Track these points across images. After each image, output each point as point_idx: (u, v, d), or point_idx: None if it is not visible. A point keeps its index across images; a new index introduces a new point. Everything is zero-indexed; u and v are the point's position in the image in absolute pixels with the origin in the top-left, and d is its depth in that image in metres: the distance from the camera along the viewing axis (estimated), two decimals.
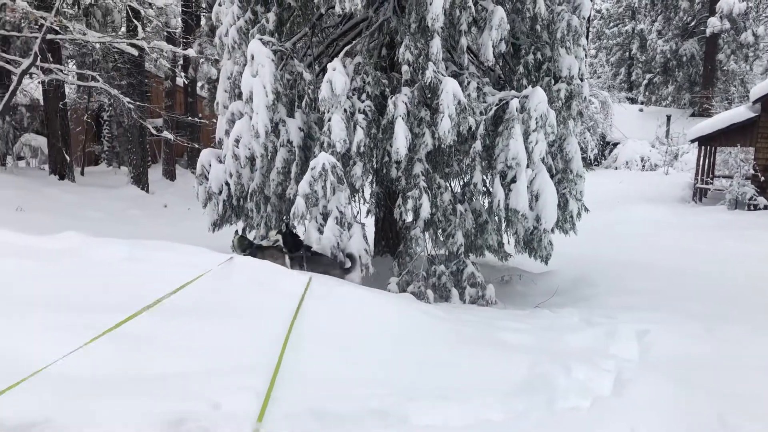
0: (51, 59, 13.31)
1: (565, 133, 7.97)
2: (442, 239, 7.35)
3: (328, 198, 6.70)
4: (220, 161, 8.76)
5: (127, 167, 17.74)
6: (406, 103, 6.81)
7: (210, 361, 2.98)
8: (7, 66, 13.58)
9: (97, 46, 13.68)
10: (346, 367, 3.31)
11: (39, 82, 15.93)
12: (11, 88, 13.45)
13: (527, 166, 7.01)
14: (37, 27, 13.18)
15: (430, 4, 6.50)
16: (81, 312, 3.29)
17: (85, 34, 12.79)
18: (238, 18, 8.21)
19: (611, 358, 4.00)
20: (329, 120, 6.84)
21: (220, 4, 8.61)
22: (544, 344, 4.34)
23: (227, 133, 8.45)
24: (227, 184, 8.60)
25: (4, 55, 13.55)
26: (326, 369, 3.20)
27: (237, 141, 7.79)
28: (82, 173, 17.37)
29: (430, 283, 7.03)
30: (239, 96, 8.38)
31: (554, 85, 7.69)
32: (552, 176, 7.63)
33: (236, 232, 7.48)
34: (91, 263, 4.51)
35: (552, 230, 7.75)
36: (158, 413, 2.23)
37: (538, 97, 6.92)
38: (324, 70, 8.38)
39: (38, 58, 12.44)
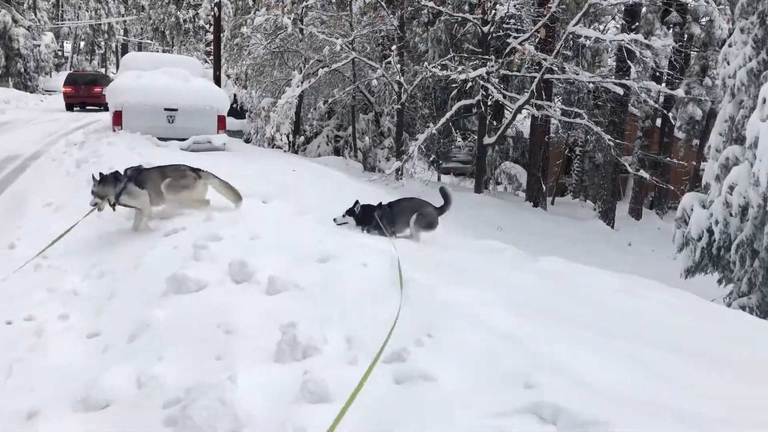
0: (543, 96, 14.57)
1: None
2: None
3: None
4: (704, 207, 8.39)
5: (593, 201, 18.29)
6: None
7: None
8: (504, 101, 15.40)
9: (590, 85, 14.47)
10: None
11: (527, 116, 17.64)
12: (507, 121, 15.23)
13: None
14: (534, 67, 14.63)
15: None
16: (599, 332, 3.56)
17: (577, 74, 13.68)
18: (750, 59, 7.75)
19: None
20: None
21: (730, 45, 8.25)
22: None
23: (717, 178, 8.06)
24: (709, 231, 8.20)
25: (504, 92, 15.40)
26: None
27: (731, 188, 7.36)
28: (552, 202, 18.57)
29: None
30: (737, 140, 7.92)
31: None
32: None
33: (93, 176, 5.73)
34: (584, 288, 4.82)
35: None
36: None
37: None
38: None
39: (534, 96, 13.79)
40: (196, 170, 5.83)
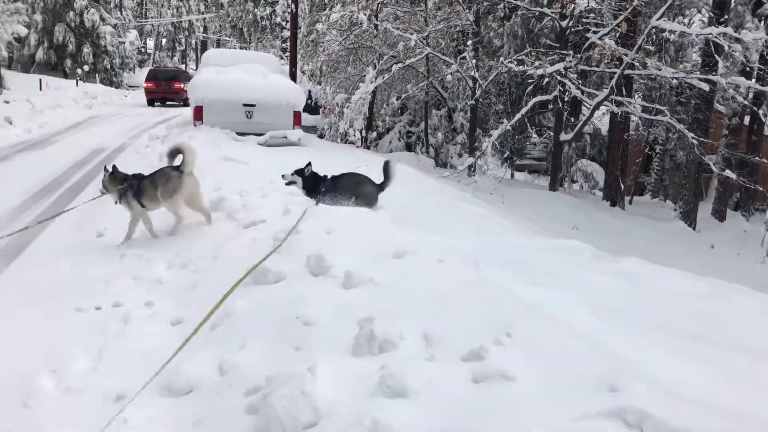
0: (623, 93, 14.12)
1: None
2: None
3: None
4: None
5: (674, 201, 17.60)
6: None
7: None
8: (582, 97, 15.02)
9: (674, 81, 13.93)
10: None
11: (605, 113, 17.16)
12: (585, 117, 14.85)
13: None
14: (614, 63, 14.18)
15: None
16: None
17: (660, 70, 13.18)
18: None
19: None
20: None
21: None
22: None
23: None
24: None
25: (582, 88, 15.01)
26: None
27: None
28: (630, 202, 18.02)
29: None
30: None
31: None
32: None
33: (105, 168, 5.99)
34: (666, 291, 4.65)
35: None
36: None
37: None
38: None
39: (614, 92, 13.38)
40: (177, 167, 5.81)
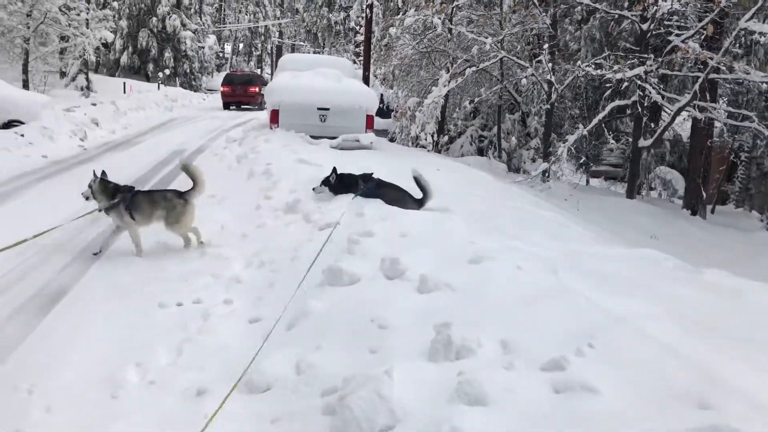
0: (707, 98, 13.58)
1: None
2: None
3: None
4: None
5: (760, 212, 16.79)
6: None
7: None
8: (662, 102, 14.50)
9: (764, 86, 13.29)
10: None
11: (686, 119, 16.52)
12: (666, 123, 14.35)
13: None
14: (698, 67, 13.65)
15: None
16: None
17: (748, 74, 12.60)
18: None
19: None
20: None
21: None
22: None
23: None
24: None
25: (662, 93, 14.50)
26: None
27: None
28: (712, 211, 17.29)
29: None
30: None
31: None
32: None
33: (94, 173, 5.66)
34: (757, 306, 4.43)
35: None
36: None
37: None
38: None
39: (697, 97, 12.88)
40: (182, 194, 5.69)
